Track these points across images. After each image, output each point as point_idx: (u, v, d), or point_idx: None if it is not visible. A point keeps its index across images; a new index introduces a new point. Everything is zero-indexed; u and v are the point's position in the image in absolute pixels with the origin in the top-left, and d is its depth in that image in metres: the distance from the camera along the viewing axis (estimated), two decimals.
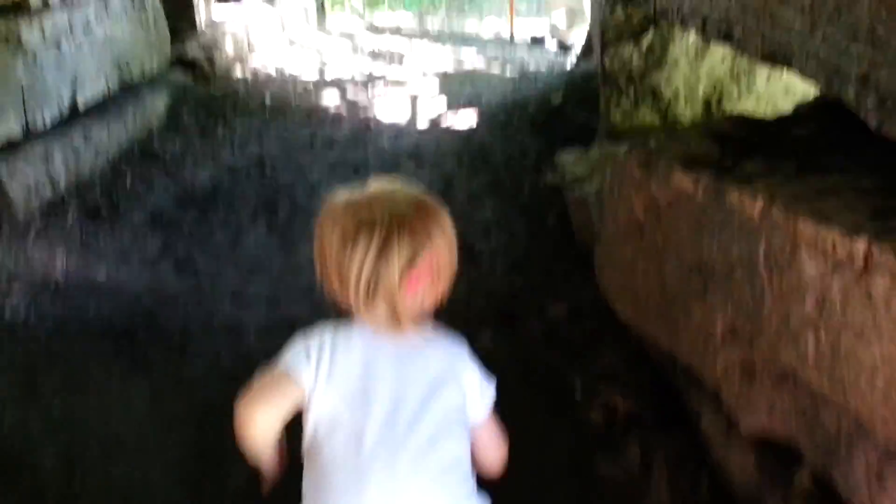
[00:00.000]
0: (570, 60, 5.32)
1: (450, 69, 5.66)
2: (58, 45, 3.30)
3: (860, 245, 1.06)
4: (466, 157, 3.51)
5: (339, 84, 5.07)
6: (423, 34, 7.59)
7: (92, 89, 3.58)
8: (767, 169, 1.39)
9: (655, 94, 2.79)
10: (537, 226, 2.69)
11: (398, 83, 5.18)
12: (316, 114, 4.40)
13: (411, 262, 1.08)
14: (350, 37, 7.02)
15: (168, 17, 4.49)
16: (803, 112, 1.74)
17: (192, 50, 4.86)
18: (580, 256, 2.35)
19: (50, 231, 2.69)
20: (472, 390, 1.15)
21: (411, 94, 4.86)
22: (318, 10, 7.31)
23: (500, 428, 1.22)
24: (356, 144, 3.85)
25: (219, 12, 5.43)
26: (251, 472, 1.14)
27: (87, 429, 1.71)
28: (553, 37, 6.01)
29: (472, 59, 6.07)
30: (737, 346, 1.33)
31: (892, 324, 1.02)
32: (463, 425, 1.13)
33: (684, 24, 2.25)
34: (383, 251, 1.07)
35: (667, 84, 2.77)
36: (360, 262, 1.07)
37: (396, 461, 1.05)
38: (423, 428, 1.08)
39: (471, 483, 1.12)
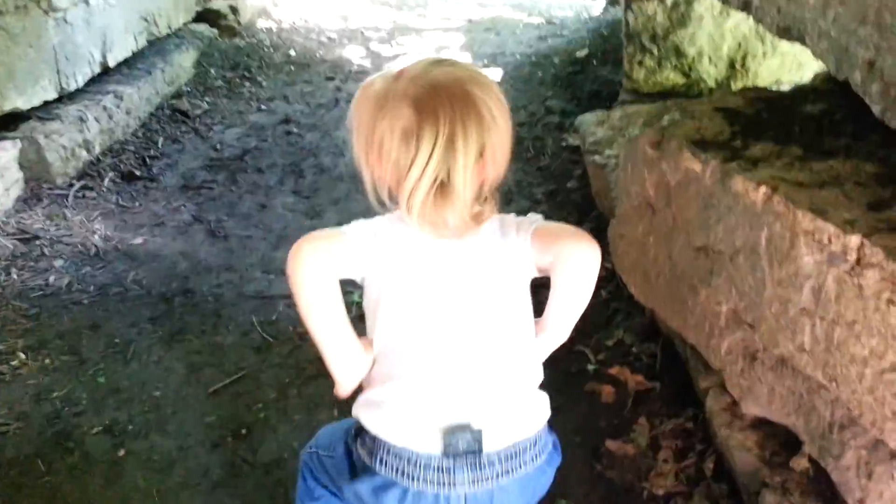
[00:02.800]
0: (598, 6, 5.19)
1: (475, 17, 5.57)
2: (87, 3, 3.33)
3: (854, 240, 1.10)
4: None
5: (363, 35, 5.04)
6: None
7: (121, 46, 3.63)
8: (774, 152, 1.41)
9: (679, 53, 2.76)
10: (558, 189, 2.72)
11: (422, 33, 5.13)
12: (340, 68, 4.41)
13: (480, 153, 0.98)
14: None
15: None
16: (817, 85, 1.73)
17: (217, 0, 4.87)
18: (599, 224, 2.39)
19: (87, 195, 2.81)
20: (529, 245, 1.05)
21: (435, 45, 4.82)
22: None
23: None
24: None
25: None
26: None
27: (129, 398, 1.83)
28: None
29: (499, 5, 5.95)
30: (739, 330, 1.38)
31: (881, 318, 1.07)
32: (522, 299, 1.08)
33: None
34: (451, 145, 0.95)
35: (690, 42, 2.73)
36: (426, 159, 0.95)
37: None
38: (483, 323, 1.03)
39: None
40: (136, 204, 2.76)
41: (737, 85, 2.76)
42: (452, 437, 1.00)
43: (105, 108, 3.27)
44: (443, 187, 0.98)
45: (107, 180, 2.92)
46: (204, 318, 2.12)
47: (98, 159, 3.08)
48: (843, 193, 1.21)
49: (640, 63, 2.84)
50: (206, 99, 3.84)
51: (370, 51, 4.73)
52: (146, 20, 3.90)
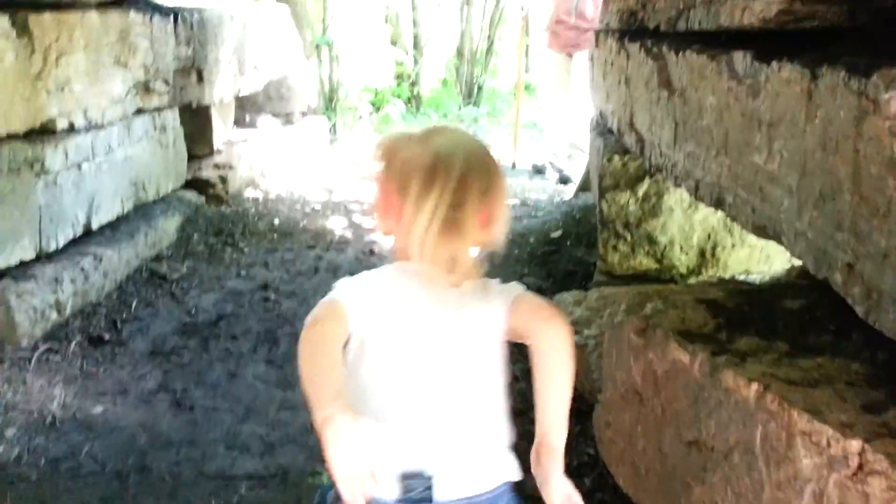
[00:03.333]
0: (570, 192, 5.49)
1: None
2: (79, 167, 3.40)
3: (854, 444, 1.07)
4: None
5: (346, 207, 5.21)
6: None
7: (107, 210, 3.66)
8: (761, 347, 1.42)
9: (651, 241, 2.87)
10: None
11: None
12: (322, 237, 4.50)
13: (485, 192, 1.12)
14: (360, 158, 7.28)
15: (186, 137, 4.69)
16: (794, 280, 1.79)
17: (207, 170, 5.04)
18: (581, 405, 2.34)
19: (51, 359, 2.70)
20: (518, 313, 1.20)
21: None
22: (331, 131, 7.63)
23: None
24: (359, 270, 3.91)
25: (236, 134, 5.68)
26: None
27: None
28: (553, 167, 6.24)
29: None
30: None
31: None
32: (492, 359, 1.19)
33: (678, 183, 2.35)
34: (462, 182, 1.09)
35: (662, 231, 2.86)
36: (440, 193, 1.08)
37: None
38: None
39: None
40: (101, 370, 2.66)
41: (707, 272, 2.86)
42: (406, 483, 1.07)
43: (82, 269, 3.24)
44: (454, 223, 1.10)
45: (73, 344, 2.83)
46: (158, 501, 1.96)
47: (68, 321, 3.00)
48: (836, 393, 1.20)
49: (615, 248, 2.94)
50: (187, 263, 3.85)
51: (352, 222, 4.87)
52: (136, 186, 3.99)
